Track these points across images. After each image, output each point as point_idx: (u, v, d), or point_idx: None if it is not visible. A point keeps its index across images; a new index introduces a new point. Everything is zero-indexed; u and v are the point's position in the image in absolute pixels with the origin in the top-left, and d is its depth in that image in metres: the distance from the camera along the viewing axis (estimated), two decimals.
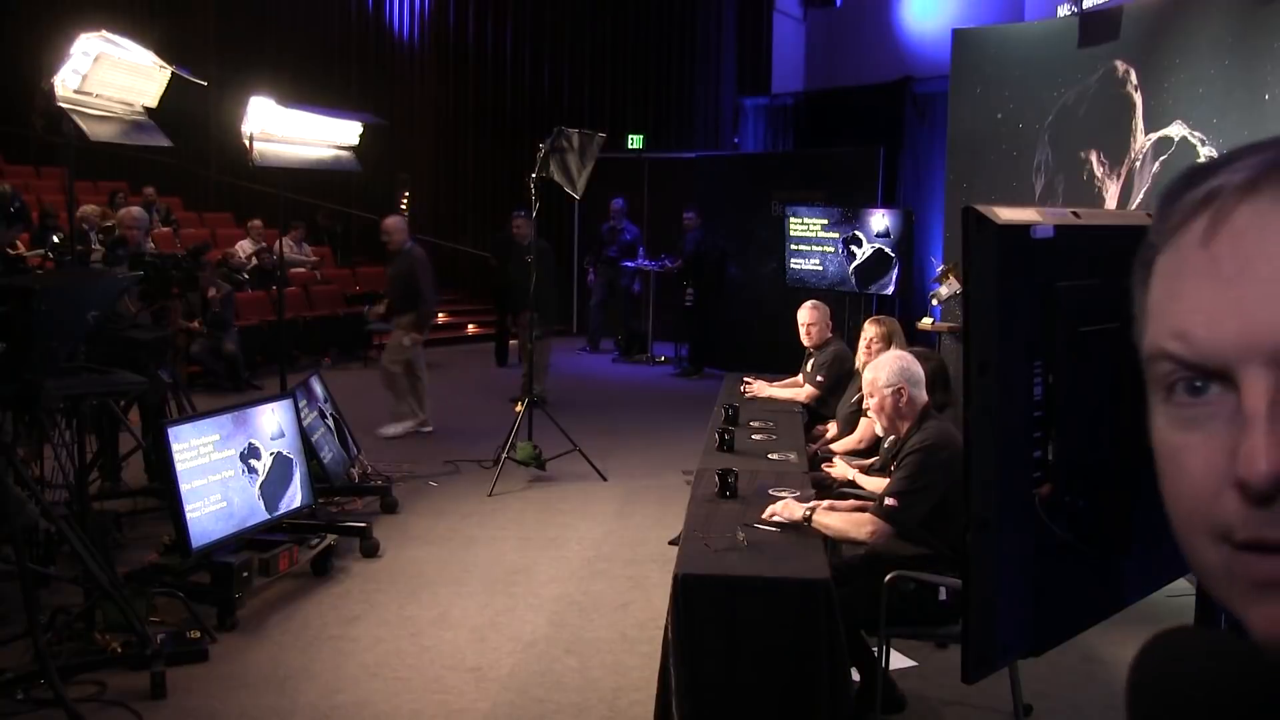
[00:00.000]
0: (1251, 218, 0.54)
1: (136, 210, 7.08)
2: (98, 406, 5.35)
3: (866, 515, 3.49)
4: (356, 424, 6.85)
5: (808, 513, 3.53)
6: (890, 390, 3.73)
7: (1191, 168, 0.60)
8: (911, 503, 3.44)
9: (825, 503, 3.68)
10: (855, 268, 9.09)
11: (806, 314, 6.05)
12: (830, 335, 6.10)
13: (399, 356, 7.95)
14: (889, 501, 3.46)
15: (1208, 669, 0.52)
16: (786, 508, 3.59)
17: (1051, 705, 3.85)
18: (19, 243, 9.96)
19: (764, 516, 3.58)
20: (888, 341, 5.06)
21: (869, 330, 5.19)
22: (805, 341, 6.08)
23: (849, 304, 8.85)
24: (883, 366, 3.82)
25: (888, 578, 3.43)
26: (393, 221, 8.19)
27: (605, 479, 6.85)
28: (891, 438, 3.94)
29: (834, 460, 4.77)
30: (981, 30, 7.78)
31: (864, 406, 4.44)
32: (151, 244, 8.50)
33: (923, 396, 3.78)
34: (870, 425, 4.75)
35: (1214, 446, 0.55)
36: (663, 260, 11.83)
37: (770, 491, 3.98)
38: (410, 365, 7.99)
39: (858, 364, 5.23)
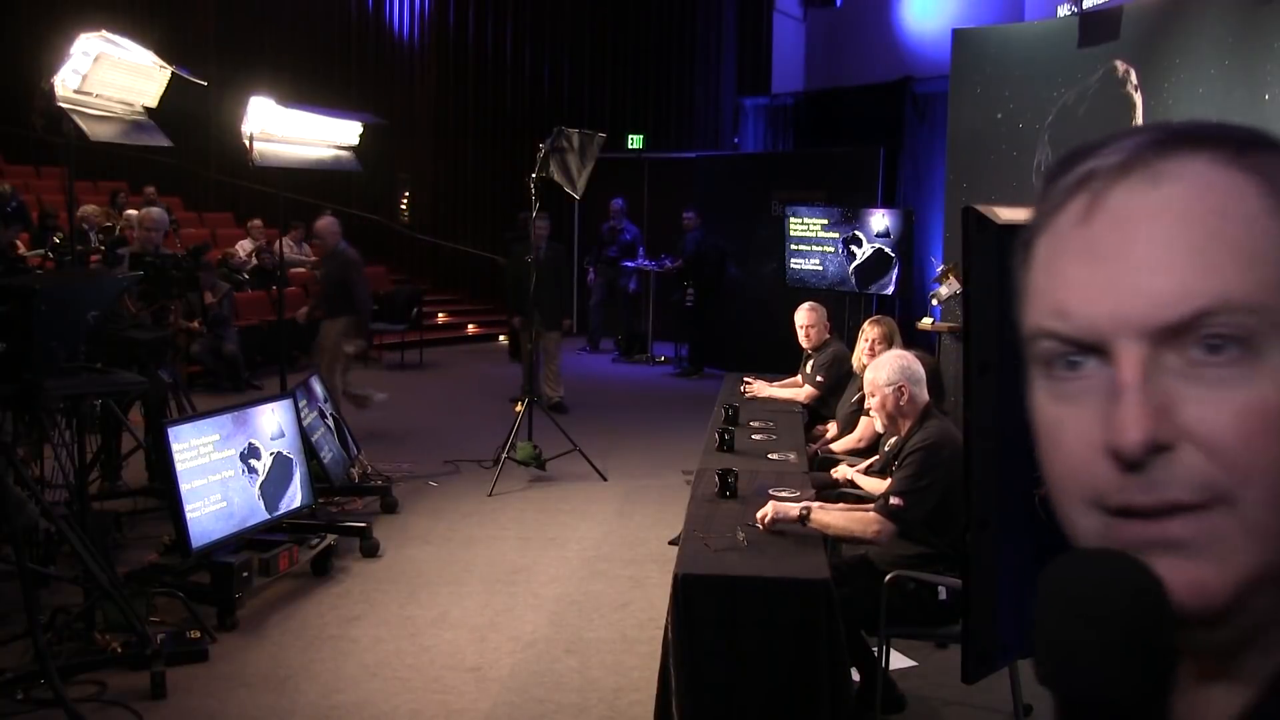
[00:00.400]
0: (1125, 198, 0.57)
1: (157, 212, 7.03)
2: (101, 406, 5.36)
3: (872, 514, 3.48)
4: (356, 424, 6.85)
5: (804, 512, 3.47)
6: (891, 389, 3.74)
7: (1069, 151, 0.62)
8: (916, 501, 3.45)
9: (817, 504, 3.64)
10: (855, 268, 9.09)
11: (804, 316, 6.05)
12: (829, 336, 6.10)
13: (335, 361, 7.56)
14: (894, 500, 3.46)
15: (1105, 583, 0.55)
16: (776, 509, 3.49)
17: (1051, 705, 3.85)
18: (19, 242, 9.98)
19: (759, 518, 3.50)
20: (889, 342, 5.06)
21: (871, 331, 5.19)
22: (804, 343, 6.08)
23: (849, 304, 8.85)
24: (884, 365, 3.82)
25: (888, 578, 3.43)
26: (324, 223, 7.96)
27: (605, 479, 6.85)
28: (893, 438, 3.94)
29: (839, 466, 4.75)
30: (981, 30, 7.78)
31: (865, 406, 4.44)
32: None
33: (924, 395, 3.79)
34: (870, 425, 4.75)
35: (1089, 417, 0.57)
36: (663, 260, 11.83)
37: (770, 491, 3.98)
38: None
39: (857, 365, 5.23)
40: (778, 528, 3.47)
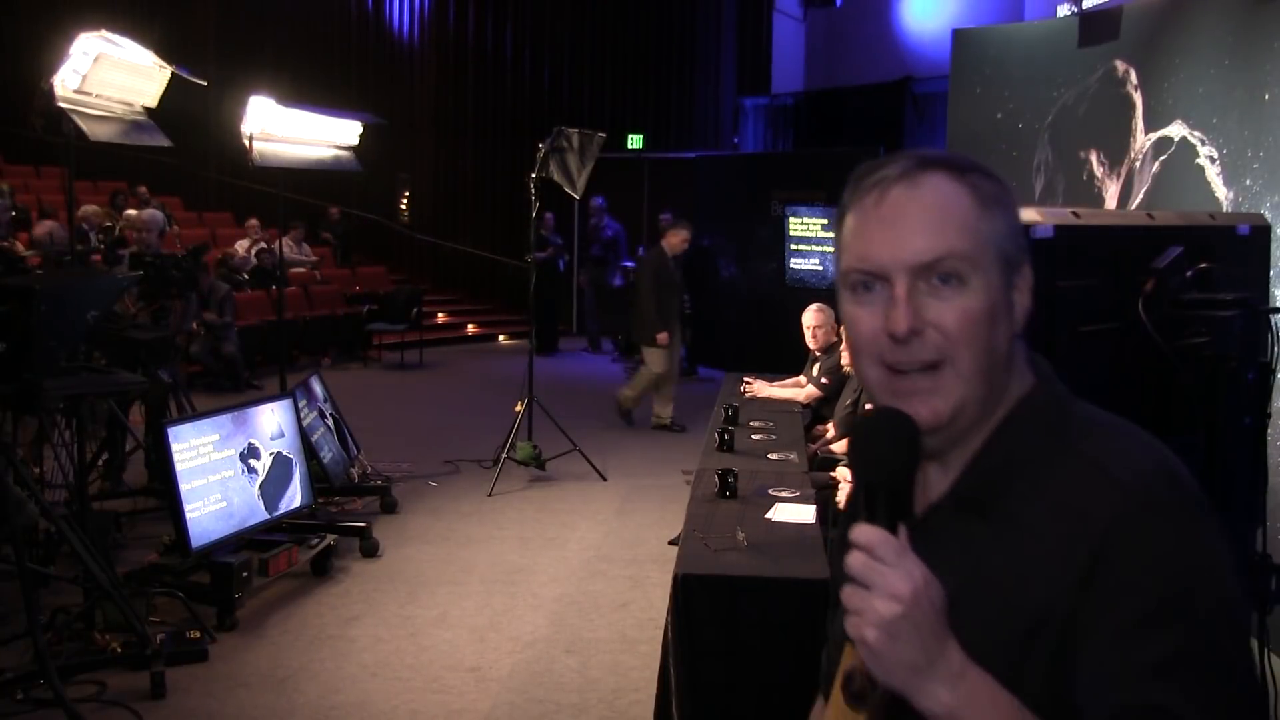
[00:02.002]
0: (901, 193, 1.01)
1: (148, 213, 7.03)
2: (107, 407, 5.36)
3: None
4: (356, 424, 6.85)
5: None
6: None
7: (869, 165, 1.05)
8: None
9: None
10: None
11: (812, 317, 6.06)
12: (836, 339, 6.11)
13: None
14: None
15: (886, 417, 0.98)
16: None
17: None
18: (18, 243, 9.99)
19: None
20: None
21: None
22: (810, 344, 6.09)
23: None
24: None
25: None
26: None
27: (605, 479, 6.85)
28: None
29: (839, 468, 4.75)
30: (981, 30, 7.78)
31: (864, 403, 4.44)
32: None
33: None
34: None
35: (877, 314, 1.01)
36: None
37: (770, 492, 3.98)
38: None
39: (846, 363, 5.26)
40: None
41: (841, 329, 5.19)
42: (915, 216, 0.99)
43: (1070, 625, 0.92)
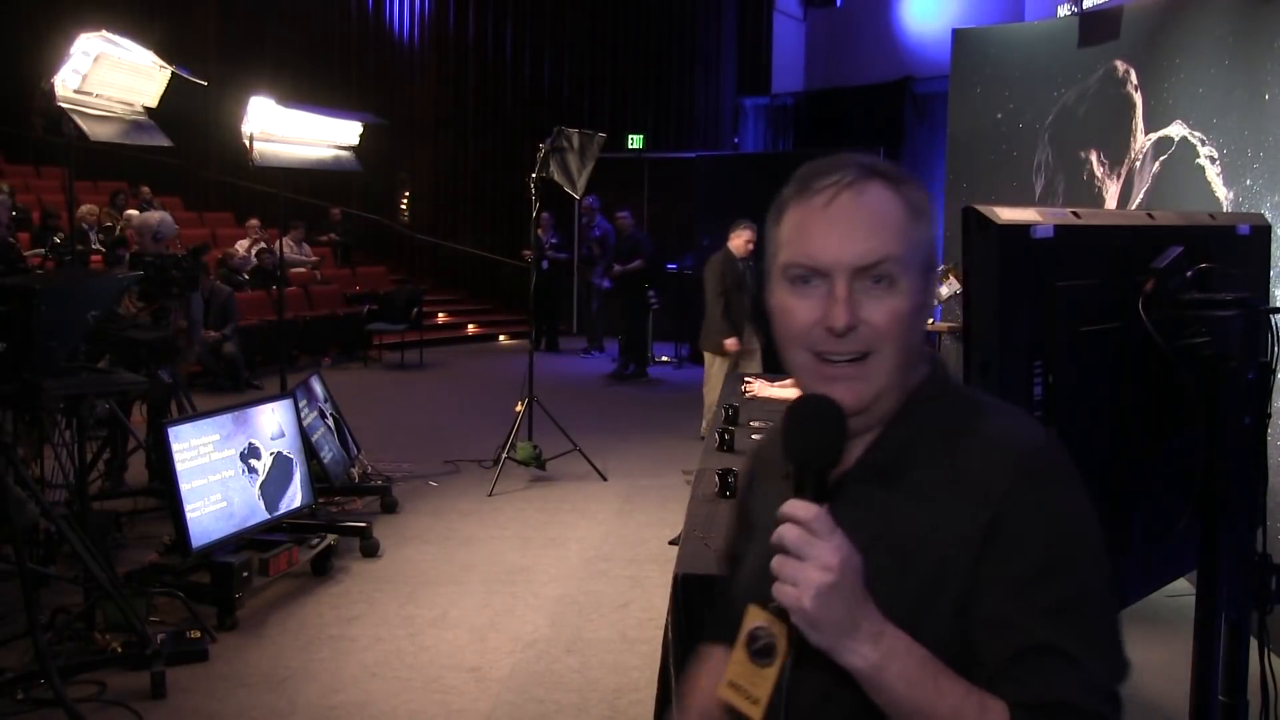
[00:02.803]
0: (847, 199, 1.11)
1: (140, 218, 6.99)
2: (109, 407, 5.36)
3: None
4: (356, 424, 6.85)
5: None
6: None
7: (814, 166, 1.17)
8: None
9: None
10: None
11: None
12: None
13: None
14: None
15: (815, 402, 1.08)
16: None
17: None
18: (18, 243, 9.99)
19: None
20: None
21: None
22: None
23: None
24: None
25: None
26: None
27: (605, 479, 6.85)
28: None
29: None
30: (981, 30, 7.78)
31: None
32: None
33: None
34: None
35: (814, 306, 1.10)
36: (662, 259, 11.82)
37: None
38: None
39: None
40: None
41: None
42: (860, 222, 1.09)
43: (970, 580, 1.05)
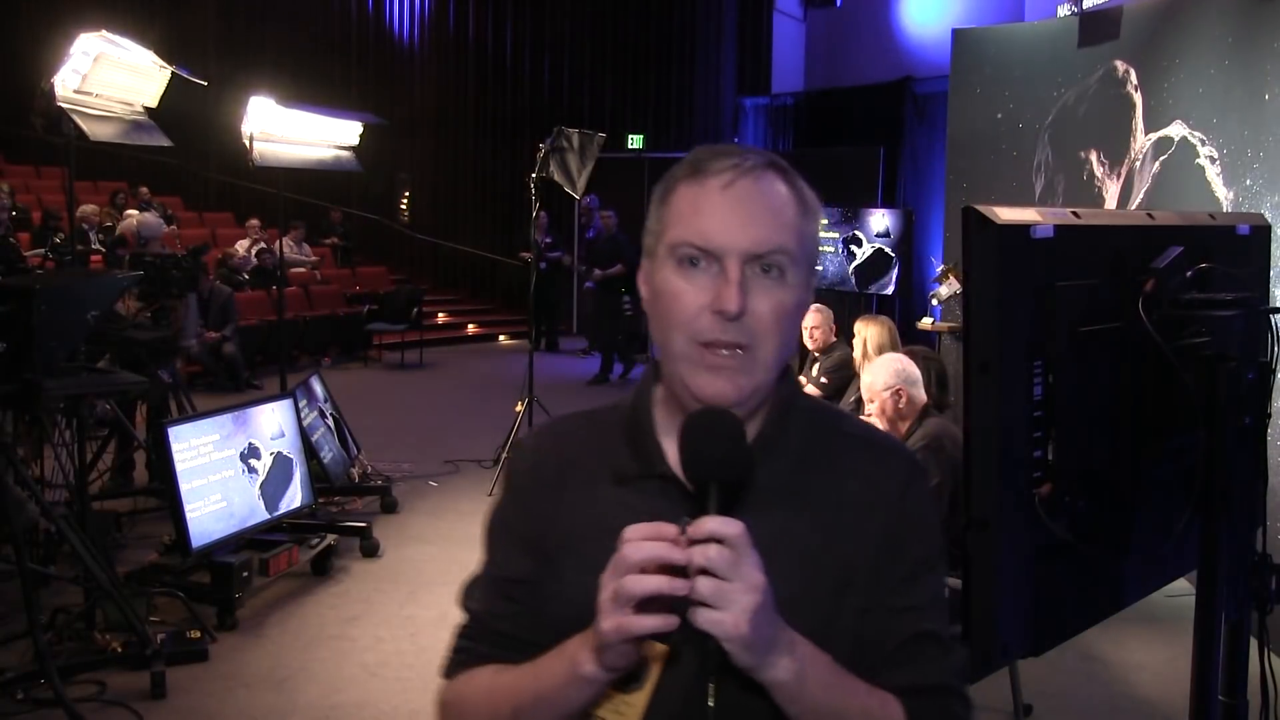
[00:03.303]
0: (747, 184, 1.08)
1: (122, 224, 6.97)
2: (114, 406, 5.36)
3: None
4: (356, 424, 6.85)
5: None
6: (889, 393, 3.75)
7: (711, 150, 1.12)
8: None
9: None
10: (855, 268, 9.10)
11: (810, 318, 6.06)
12: (834, 339, 6.11)
13: None
14: None
15: (712, 415, 1.03)
16: None
17: (1051, 705, 3.85)
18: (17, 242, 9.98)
19: None
20: (891, 343, 5.10)
21: (866, 331, 5.22)
22: (809, 345, 6.09)
23: (849, 304, 8.85)
24: (879, 370, 3.84)
25: None
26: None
27: None
28: None
29: None
30: (981, 30, 7.78)
31: (865, 412, 4.45)
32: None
33: (921, 396, 3.80)
34: None
35: (703, 290, 1.06)
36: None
37: None
38: None
39: (858, 364, 5.24)
40: None
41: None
42: (758, 208, 1.07)
43: (873, 575, 1.10)
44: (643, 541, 0.95)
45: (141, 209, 12.05)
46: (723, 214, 1.06)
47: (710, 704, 0.97)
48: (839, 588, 1.09)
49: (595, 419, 1.22)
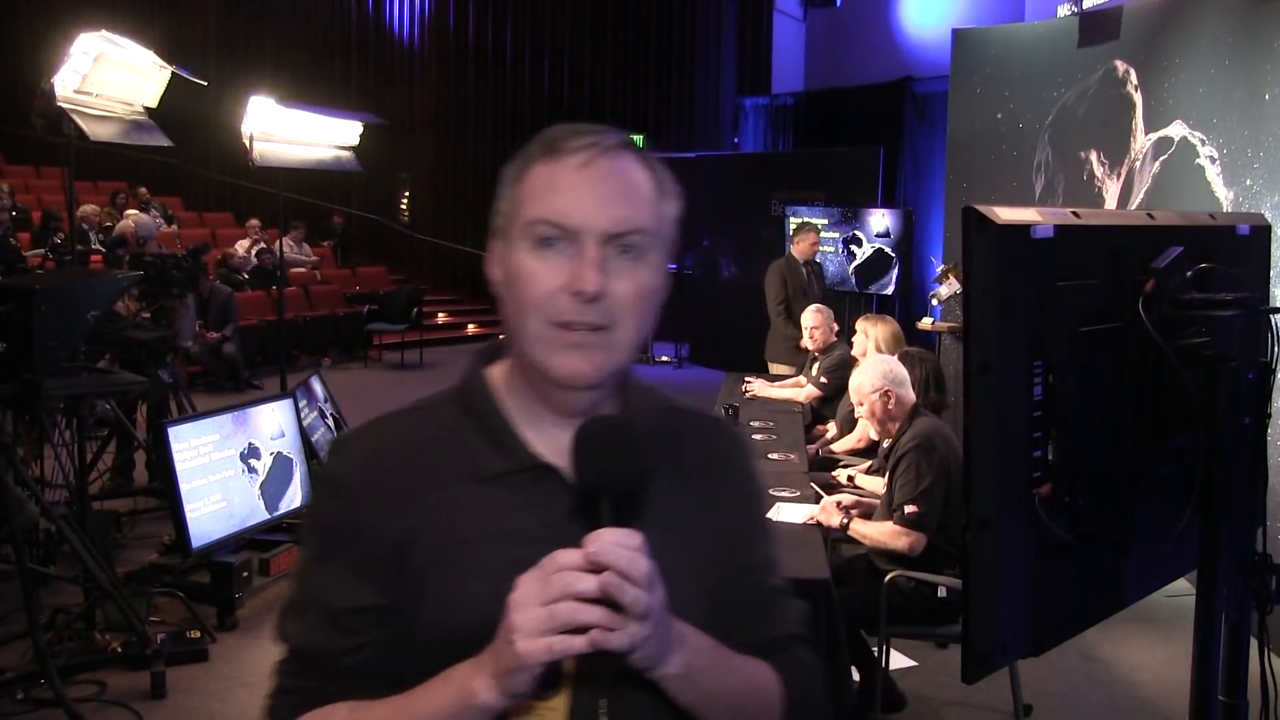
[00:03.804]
0: (604, 163, 1.04)
1: (119, 228, 6.97)
2: (115, 406, 5.37)
3: (896, 528, 3.49)
4: (356, 424, 6.84)
5: (845, 521, 3.62)
6: (877, 394, 3.76)
7: (565, 128, 1.07)
8: (929, 501, 3.46)
9: (857, 515, 3.70)
10: (855, 268, 9.10)
11: (810, 318, 6.06)
12: (834, 339, 6.11)
13: None
14: (909, 509, 3.46)
15: (606, 424, 1.02)
16: (825, 513, 3.67)
17: (1051, 705, 3.85)
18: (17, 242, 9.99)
19: (804, 520, 3.65)
20: (895, 341, 5.11)
21: (873, 330, 5.22)
22: (809, 345, 6.09)
23: (849, 304, 8.85)
24: (866, 372, 3.85)
25: (888, 577, 3.44)
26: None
27: None
28: (886, 440, 3.94)
29: (839, 470, 4.75)
30: (981, 30, 7.78)
31: (855, 415, 4.45)
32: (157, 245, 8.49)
33: (910, 396, 3.80)
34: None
35: (560, 270, 1.01)
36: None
37: (770, 491, 3.98)
38: None
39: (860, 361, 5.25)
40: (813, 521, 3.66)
41: (867, 343, 5.17)
42: (615, 187, 1.03)
43: (728, 541, 1.15)
44: (583, 574, 0.90)
45: (141, 209, 12.06)
46: (580, 192, 1.02)
47: (603, 712, 0.98)
48: (713, 560, 1.12)
49: (424, 414, 1.13)
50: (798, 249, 7.64)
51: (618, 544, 0.91)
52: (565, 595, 0.90)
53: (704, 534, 1.12)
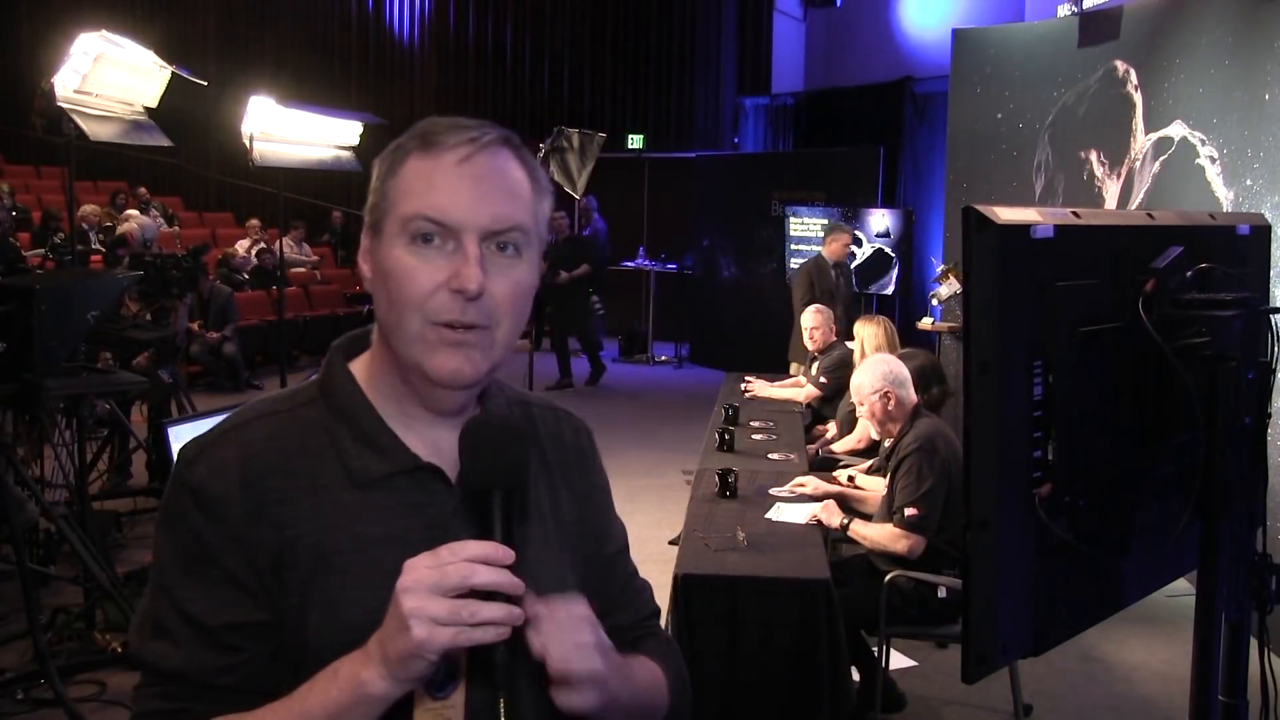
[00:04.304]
0: (484, 159, 1.02)
1: (124, 228, 6.96)
2: (115, 405, 5.37)
3: (896, 530, 3.49)
4: None
5: (846, 521, 3.63)
6: (877, 395, 3.76)
7: (440, 121, 1.04)
8: (929, 504, 3.46)
9: (857, 517, 3.72)
10: (855, 268, 9.10)
11: (810, 319, 6.06)
12: (834, 339, 6.11)
13: None
14: (910, 511, 3.46)
15: (489, 424, 1.04)
16: (827, 511, 3.68)
17: (1051, 705, 3.85)
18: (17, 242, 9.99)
19: (804, 521, 3.66)
20: (886, 341, 5.10)
21: (864, 331, 5.24)
22: (810, 346, 6.09)
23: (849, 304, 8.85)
24: (866, 372, 3.84)
25: (888, 577, 3.44)
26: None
27: None
28: (887, 440, 3.95)
29: (839, 470, 4.75)
30: (981, 30, 7.78)
31: (856, 415, 4.46)
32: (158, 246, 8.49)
33: (911, 397, 3.80)
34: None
35: (438, 268, 0.99)
36: (662, 259, 11.82)
37: (771, 492, 3.98)
38: None
39: (858, 363, 5.25)
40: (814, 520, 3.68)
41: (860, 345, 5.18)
42: (495, 184, 1.01)
43: (591, 530, 1.20)
44: (483, 567, 0.90)
45: (141, 209, 12.06)
46: (459, 189, 1.00)
47: (502, 711, 0.96)
48: (579, 552, 1.16)
49: (287, 416, 1.07)
50: (828, 250, 7.55)
51: (499, 555, 0.91)
52: (463, 586, 0.89)
53: (572, 525, 1.16)
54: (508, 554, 0.92)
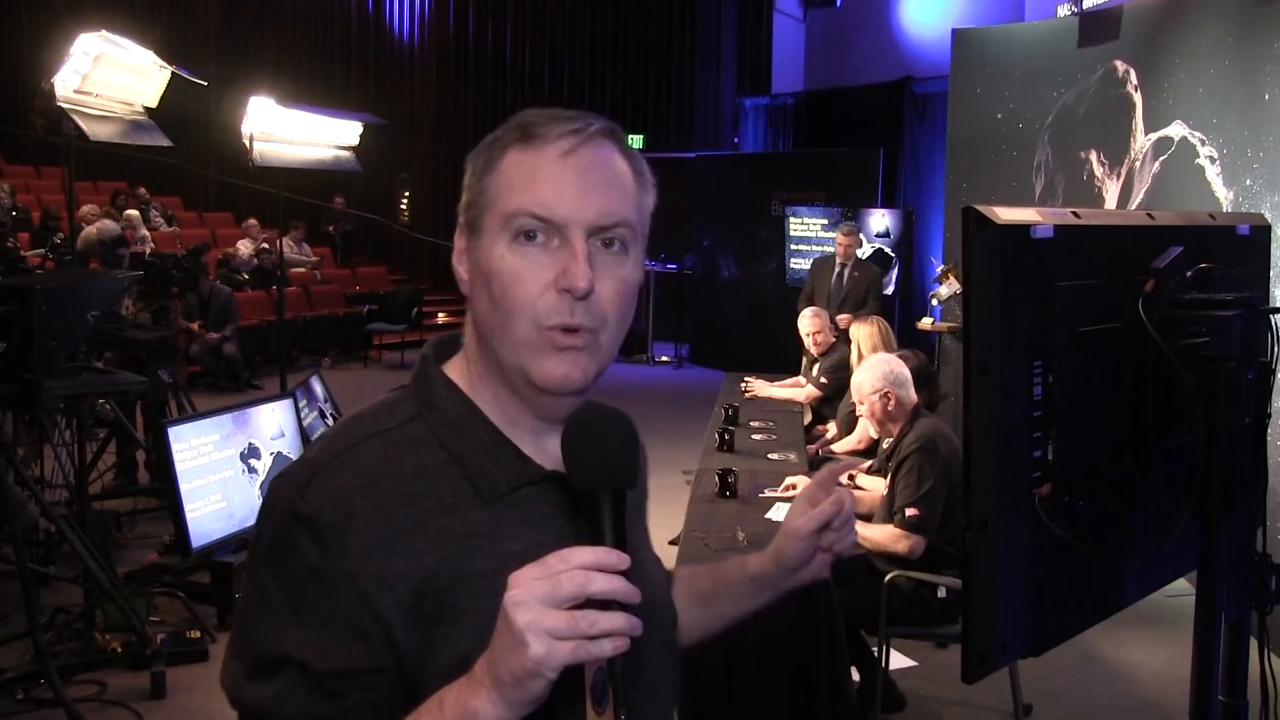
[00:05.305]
0: (589, 152, 0.97)
1: (99, 227, 6.80)
2: (116, 405, 5.37)
3: (896, 531, 3.49)
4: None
5: None
6: (878, 395, 3.76)
7: (541, 114, 0.99)
8: (929, 505, 3.46)
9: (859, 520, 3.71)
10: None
11: (809, 323, 6.06)
12: (834, 340, 6.12)
13: None
14: (910, 512, 3.46)
15: (603, 416, 0.94)
16: None
17: (1051, 705, 3.85)
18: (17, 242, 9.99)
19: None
20: (882, 341, 5.11)
21: (856, 331, 5.25)
22: (812, 349, 6.09)
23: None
24: (867, 371, 3.84)
25: (888, 577, 3.43)
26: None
27: None
28: (887, 440, 3.95)
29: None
30: (981, 30, 7.78)
31: (856, 413, 4.46)
32: (151, 245, 8.48)
33: (911, 397, 3.80)
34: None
35: (546, 267, 0.94)
36: (662, 259, 11.82)
37: (769, 492, 3.98)
38: None
39: (855, 364, 5.26)
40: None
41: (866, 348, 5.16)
42: (602, 177, 0.97)
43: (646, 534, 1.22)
44: (598, 574, 0.81)
45: (141, 209, 12.06)
46: (564, 183, 0.95)
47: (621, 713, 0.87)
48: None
49: (392, 437, 0.98)
50: (837, 247, 7.64)
51: (613, 562, 0.84)
52: (579, 595, 0.81)
53: (643, 528, 1.22)
54: (622, 559, 0.83)
